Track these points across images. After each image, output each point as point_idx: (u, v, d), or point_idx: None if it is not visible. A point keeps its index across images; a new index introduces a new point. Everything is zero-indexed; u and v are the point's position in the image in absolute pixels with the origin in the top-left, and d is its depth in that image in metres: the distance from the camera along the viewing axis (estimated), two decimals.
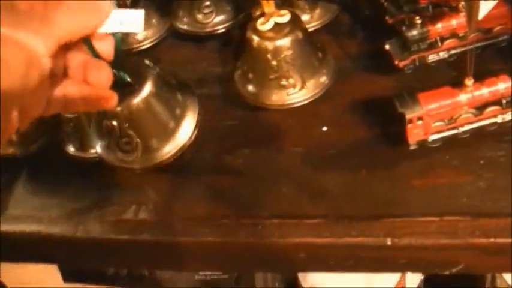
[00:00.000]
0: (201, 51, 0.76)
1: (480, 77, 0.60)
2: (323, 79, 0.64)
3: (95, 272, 0.84)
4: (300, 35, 0.61)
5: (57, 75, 0.50)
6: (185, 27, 0.74)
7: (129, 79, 0.63)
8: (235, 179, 0.63)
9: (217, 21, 0.73)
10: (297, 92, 0.63)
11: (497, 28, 0.66)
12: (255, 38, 0.62)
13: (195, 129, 0.67)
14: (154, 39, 0.76)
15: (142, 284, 0.84)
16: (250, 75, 0.65)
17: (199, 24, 0.73)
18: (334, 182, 0.61)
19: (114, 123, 0.65)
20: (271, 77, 0.63)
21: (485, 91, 0.60)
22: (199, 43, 0.76)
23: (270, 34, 0.61)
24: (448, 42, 0.65)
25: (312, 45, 0.64)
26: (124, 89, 0.63)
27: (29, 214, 0.66)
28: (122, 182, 0.66)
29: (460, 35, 0.65)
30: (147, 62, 0.67)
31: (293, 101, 0.64)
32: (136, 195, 0.64)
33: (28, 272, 0.85)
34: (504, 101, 0.61)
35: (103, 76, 0.52)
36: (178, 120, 0.67)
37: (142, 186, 0.65)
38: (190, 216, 0.61)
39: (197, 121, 0.67)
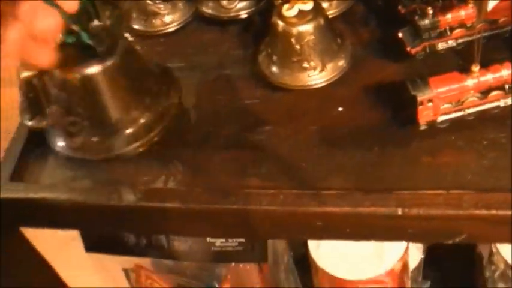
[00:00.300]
0: (224, 35, 0.82)
1: (485, 64, 0.68)
2: (341, 63, 0.72)
3: (116, 242, 0.91)
4: (321, 21, 0.69)
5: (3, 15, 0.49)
6: (210, 11, 0.81)
7: (91, 42, 0.58)
8: (257, 154, 0.70)
9: (240, 7, 0.80)
10: (317, 74, 0.71)
11: (502, 19, 0.73)
12: (280, 23, 0.69)
13: (161, 130, 0.65)
14: (180, 23, 0.82)
15: (162, 254, 0.91)
16: (274, 58, 0.71)
17: (223, 9, 0.80)
18: (349, 157, 0.68)
19: (63, 94, 0.60)
20: (294, 59, 0.70)
21: (490, 77, 0.68)
22: (221, 27, 0.82)
23: (294, 20, 0.68)
24: (457, 32, 0.73)
25: (332, 31, 0.71)
26: (87, 54, 0.59)
27: (62, 183, 0.73)
28: (151, 154, 0.72)
29: (468, 25, 0.73)
30: (127, 35, 0.64)
31: (313, 83, 0.71)
32: (165, 167, 0.71)
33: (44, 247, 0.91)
34: (507, 87, 0.68)
35: (49, 24, 0.49)
36: (145, 111, 0.64)
37: (170, 159, 0.72)
38: (216, 185, 0.68)
39: (167, 122, 0.65)
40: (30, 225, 0.75)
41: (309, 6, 0.69)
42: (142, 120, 0.64)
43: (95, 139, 0.64)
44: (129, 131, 0.64)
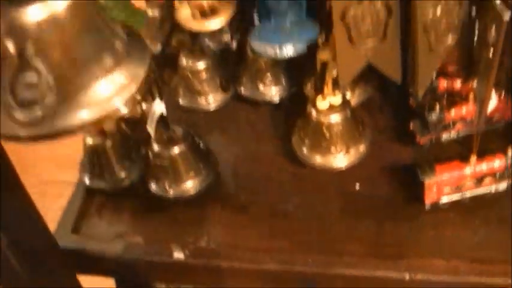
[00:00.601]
0: (259, 114, 1.03)
1: (481, 154, 0.88)
2: (362, 148, 0.91)
3: None
4: (348, 113, 0.88)
5: None
6: (248, 93, 1.01)
7: None
8: (288, 221, 0.90)
9: (274, 92, 1.00)
10: (341, 157, 0.90)
11: (496, 116, 0.94)
12: (314, 114, 0.88)
13: (144, 82, 0.64)
14: (221, 102, 1.02)
15: None
16: (306, 141, 0.91)
17: (259, 93, 1.00)
18: (366, 228, 0.88)
19: (9, 44, 0.51)
20: (323, 144, 0.89)
21: (484, 166, 0.88)
22: (257, 107, 1.03)
23: (326, 111, 0.88)
24: (458, 125, 0.93)
25: (355, 120, 0.91)
26: None
27: (117, 237, 0.91)
28: (195, 217, 0.92)
29: (468, 120, 0.94)
30: None
31: (338, 165, 0.90)
32: (208, 229, 0.90)
33: None
34: (498, 175, 0.89)
35: None
36: (120, 58, 0.61)
37: (211, 221, 0.91)
38: (253, 247, 0.87)
39: (147, 68, 0.65)
40: (87, 273, 0.93)
41: (338, 99, 0.88)
42: (119, 71, 0.62)
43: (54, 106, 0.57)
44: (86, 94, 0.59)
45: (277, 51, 0.80)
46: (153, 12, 1.06)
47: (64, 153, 1.84)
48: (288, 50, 0.79)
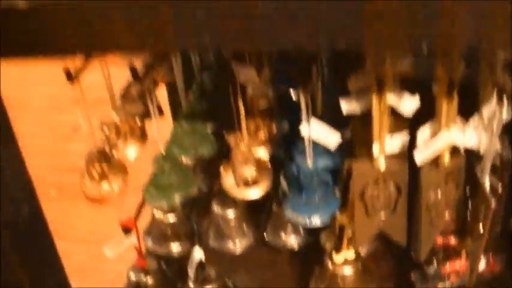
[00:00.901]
0: (280, 259, 1.23)
1: None
2: None
3: None
4: (359, 265, 1.08)
5: None
6: (270, 240, 1.20)
7: None
8: None
9: (294, 240, 1.19)
10: None
11: (485, 273, 1.14)
12: (330, 265, 1.08)
13: None
14: (246, 246, 1.20)
15: None
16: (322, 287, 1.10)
17: (280, 240, 1.19)
18: None
19: None
20: None
21: None
22: (278, 252, 1.22)
23: (341, 265, 1.08)
24: (452, 277, 1.13)
25: (365, 270, 1.10)
26: None
27: None
28: None
29: (461, 273, 1.13)
30: None
31: None
32: None
33: None
34: None
35: None
36: None
37: None
38: None
39: None
40: None
41: (351, 254, 1.08)
42: None
43: None
44: None
45: (307, 221, 1.00)
46: (186, 161, 1.27)
47: (75, 261, 2.02)
48: (316, 221, 0.99)
